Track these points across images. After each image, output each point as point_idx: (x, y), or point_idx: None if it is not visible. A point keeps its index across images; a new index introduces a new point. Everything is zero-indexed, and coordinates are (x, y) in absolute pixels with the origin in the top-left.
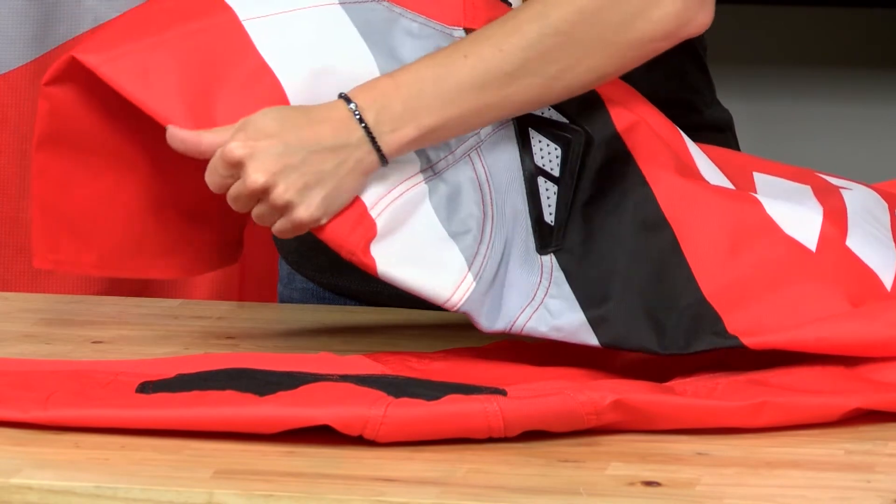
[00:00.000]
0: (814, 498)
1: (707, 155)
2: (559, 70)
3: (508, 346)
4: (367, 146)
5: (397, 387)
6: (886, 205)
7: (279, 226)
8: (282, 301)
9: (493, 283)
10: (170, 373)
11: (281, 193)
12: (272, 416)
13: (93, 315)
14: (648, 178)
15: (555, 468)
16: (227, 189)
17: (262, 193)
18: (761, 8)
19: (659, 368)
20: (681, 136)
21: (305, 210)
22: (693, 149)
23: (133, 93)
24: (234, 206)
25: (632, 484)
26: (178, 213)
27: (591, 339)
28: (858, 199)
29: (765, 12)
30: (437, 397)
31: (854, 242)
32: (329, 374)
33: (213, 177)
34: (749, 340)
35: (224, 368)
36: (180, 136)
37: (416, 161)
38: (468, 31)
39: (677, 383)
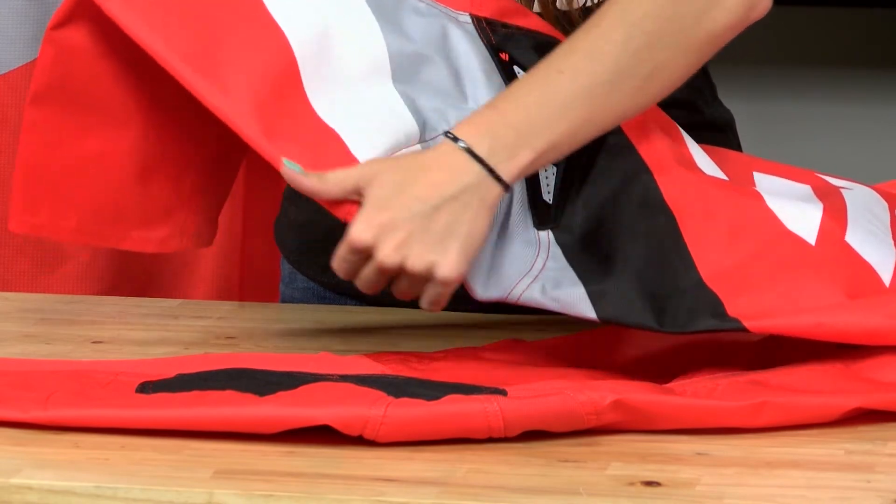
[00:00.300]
0: (814, 498)
1: (706, 153)
2: (652, 70)
3: (509, 345)
4: (488, 180)
5: (397, 387)
6: (886, 204)
7: (429, 295)
8: (283, 300)
9: (488, 250)
10: (170, 373)
11: (416, 262)
12: (272, 416)
13: (93, 315)
14: (650, 165)
15: (555, 468)
16: (358, 273)
17: (398, 270)
18: None
19: (659, 369)
20: (680, 132)
21: (447, 268)
22: (692, 145)
23: (137, 33)
24: (367, 289)
25: (632, 484)
26: (161, 182)
27: (590, 313)
28: (858, 198)
29: None
30: (437, 397)
31: (853, 238)
32: (329, 374)
33: (342, 264)
34: (750, 324)
35: (224, 368)
36: (299, 180)
37: (415, 130)
38: (473, 17)
39: (677, 384)
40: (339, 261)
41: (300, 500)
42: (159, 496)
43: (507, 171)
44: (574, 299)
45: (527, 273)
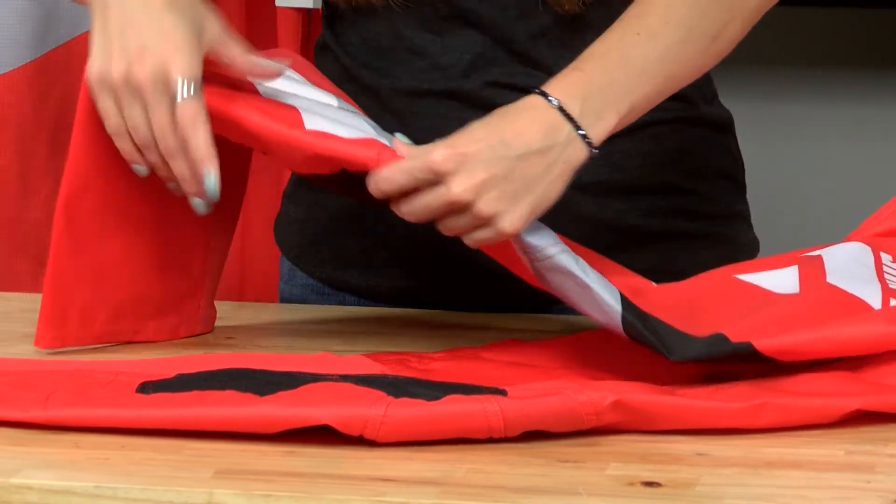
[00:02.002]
0: (814, 498)
1: (681, 286)
2: (717, 31)
3: (508, 345)
4: (577, 141)
5: (397, 387)
6: (870, 248)
7: (478, 237)
8: (283, 298)
9: None
10: (170, 373)
11: (486, 206)
12: (272, 415)
13: None
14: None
15: (554, 468)
16: (410, 191)
17: (464, 207)
18: None
19: (660, 370)
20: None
21: (510, 221)
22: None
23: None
24: (417, 215)
25: (631, 484)
26: (177, 271)
27: (615, 305)
28: (837, 252)
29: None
30: (438, 397)
31: (835, 279)
32: (329, 375)
33: (404, 177)
34: (759, 343)
35: (224, 368)
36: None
37: None
38: None
39: (678, 385)
40: (404, 173)
41: (300, 500)
42: (159, 496)
43: (596, 134)
44: (605, 284)
45: (556, 243)
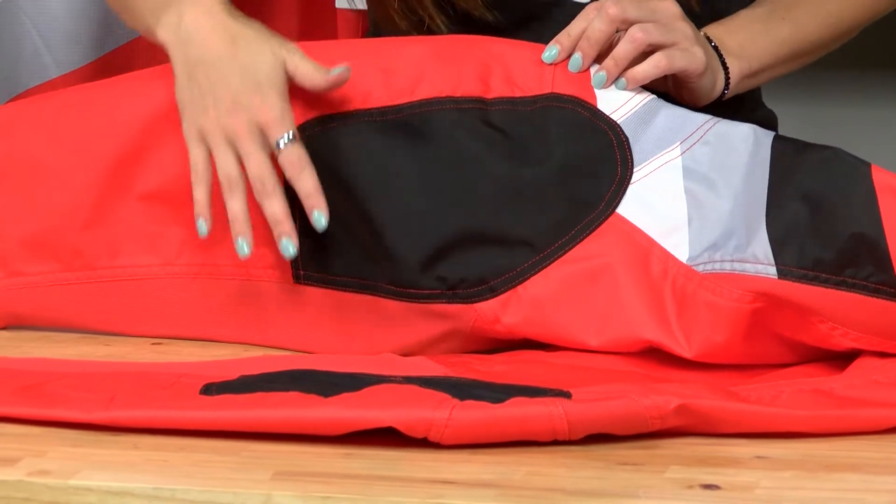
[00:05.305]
0: (871, 501)
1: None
2: (856, 25)
3: (570, 350)
4: (721, 70)
5: (461, 389)
6: None
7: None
8: None
9: None
10: (233, 374)
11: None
12: (337, 417)
13: None
14: None
15: (613, 471)
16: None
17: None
18: None
19: (721, 378)
20: None
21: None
22: None
23: None
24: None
25: (690, 487)
26: None
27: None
28: None
29: None
30: (502, 399)
31: None
32: (393, 376)
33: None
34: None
35: (287, 370)
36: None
37: None
38: None
39: (741, 389)
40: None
41: (357, 502)
42: (217, 498)
43: (732, 68)
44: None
45: None
